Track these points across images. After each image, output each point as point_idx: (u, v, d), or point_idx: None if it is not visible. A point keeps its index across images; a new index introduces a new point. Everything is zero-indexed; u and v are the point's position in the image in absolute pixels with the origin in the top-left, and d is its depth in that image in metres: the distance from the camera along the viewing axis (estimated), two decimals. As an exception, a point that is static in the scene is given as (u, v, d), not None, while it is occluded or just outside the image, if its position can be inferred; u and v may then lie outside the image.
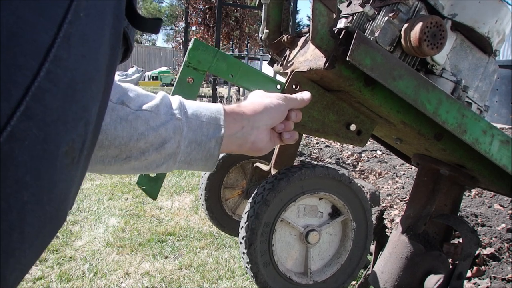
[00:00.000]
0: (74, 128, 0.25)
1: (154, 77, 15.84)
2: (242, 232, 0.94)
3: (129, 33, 0.40)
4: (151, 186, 1.05)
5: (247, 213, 0.94)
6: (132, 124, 0.52)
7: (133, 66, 15.51)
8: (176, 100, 0.58)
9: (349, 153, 4.28)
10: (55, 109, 0.23)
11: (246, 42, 11.91)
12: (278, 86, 0.96)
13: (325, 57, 0.84)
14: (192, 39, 0.92)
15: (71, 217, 2.39)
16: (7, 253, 0.23)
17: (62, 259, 1.90)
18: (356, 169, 3.74)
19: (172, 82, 14.60)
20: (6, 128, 0.21)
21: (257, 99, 0.68)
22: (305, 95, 0.76)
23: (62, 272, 1.78)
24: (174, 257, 1.98)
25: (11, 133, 0.21)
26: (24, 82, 0.21)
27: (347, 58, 0.78)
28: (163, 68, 16.76)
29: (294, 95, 0.74)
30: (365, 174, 3.61)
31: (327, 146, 4.51)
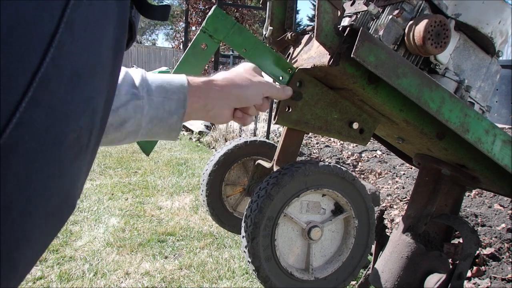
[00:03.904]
0: (81, 116, 0.25)
1: (154, 77, 15.79)
2: (244, 226, 0.94)
3: (135, 21, 0.39)
4: (147, 141, 1.04)
5: (251, 207, 0.94)
6: None
7: (133, 66, 15.45)
8: (138, 76, 0.58)
9: (349, 153, 4.28)
10: (61, 96, 0.23)
11: (246, 42, 11.88)
12: (290, 71, 0.95)
13: (329, 54, 0.84)
14: (213, 7, 0.91)
15: (71, 217, 2.38)
16: (20, 239, 0.23)
17: (62, 259, 1.89)
18: (356, 169, 3.74)
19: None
20: (15, 114, 0.21)
21: (233, 78, 0.68)
22: (287, 90, 0.82)
23: (62, 272, 1.77)
24: (174, 257, 1.98)
25: (19, 120, 0.21)
26: (30, 68, 0.22)
27: (352, 55, 0.78)
28: (163, 68, 16.71)
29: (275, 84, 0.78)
30: (365, 174, 3.62)
31: (327, 146, 4.51)
